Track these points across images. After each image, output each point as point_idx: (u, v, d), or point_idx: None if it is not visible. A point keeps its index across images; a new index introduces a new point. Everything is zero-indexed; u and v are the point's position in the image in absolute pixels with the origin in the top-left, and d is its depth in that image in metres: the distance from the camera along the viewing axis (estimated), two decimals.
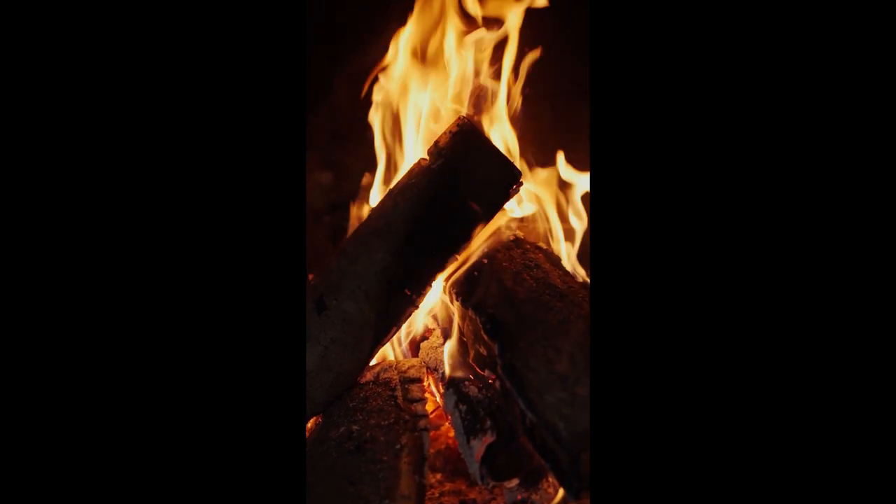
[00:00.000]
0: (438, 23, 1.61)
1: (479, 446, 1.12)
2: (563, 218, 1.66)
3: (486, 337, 1.17)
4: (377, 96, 1.67)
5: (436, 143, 1.35)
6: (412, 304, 1.33)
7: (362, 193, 1.70)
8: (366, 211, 1.66)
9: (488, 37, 1.59)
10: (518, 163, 1.60)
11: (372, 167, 1.73)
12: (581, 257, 1.65)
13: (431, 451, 1.33)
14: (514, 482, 1.15)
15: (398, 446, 1.08)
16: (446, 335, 1.40)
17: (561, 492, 1.10)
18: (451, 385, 1.26)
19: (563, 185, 1.67)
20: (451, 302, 1.40)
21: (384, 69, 1.66)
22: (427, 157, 1.35)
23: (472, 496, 1.24)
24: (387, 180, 1.69)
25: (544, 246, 1.49)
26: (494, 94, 1.63)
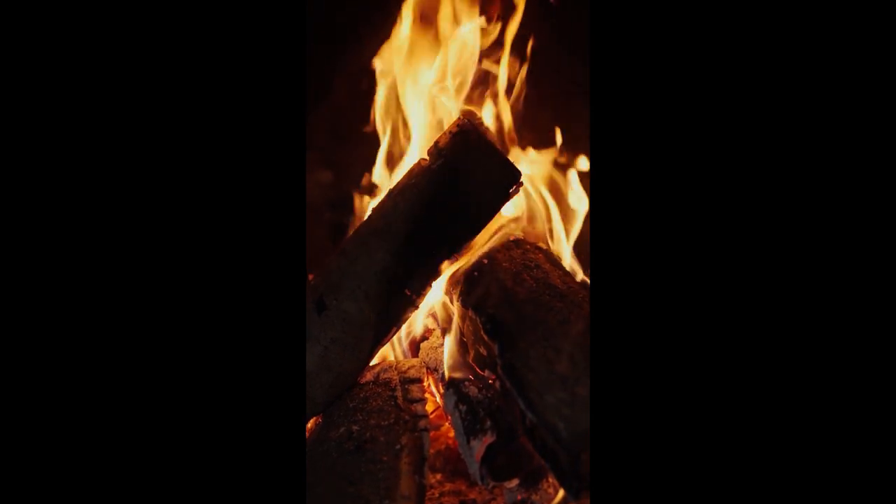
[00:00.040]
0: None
1: (479, 446, 1.12)
2: (561, 199, 1.65)
3: (486, 337, 1.17)
4: (378, 66, 1.67)
5: (436, 143, 1.35)
6: (412, 304, 1.33)
7: (364, 188, 1.71)
8: (367, 203, 1.66)
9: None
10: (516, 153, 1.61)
11: (372, 167, 1.73)
12: (581, 255, 1.64)
13: (431, 451, 1.33)
14: (514, 482, 1.15)
15: (398, 446, 1.08)
16: (446, 335, 1.40)
17: (561, 492, 1.10)
18: (451, 385, 1.26)
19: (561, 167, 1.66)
20: (451, 302, 1.40)
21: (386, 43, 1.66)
22: (427, 157, 1.35)
23: (472, 496, 1.24)
24: (388, 162, 1.69)
25: (544, 246, 1.49)
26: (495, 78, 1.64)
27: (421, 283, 1.32)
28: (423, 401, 1.25)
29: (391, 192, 1.37)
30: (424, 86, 1.62)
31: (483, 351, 1.22)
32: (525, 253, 1.39)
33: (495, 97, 1.66)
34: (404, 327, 1.49)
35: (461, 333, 1.34)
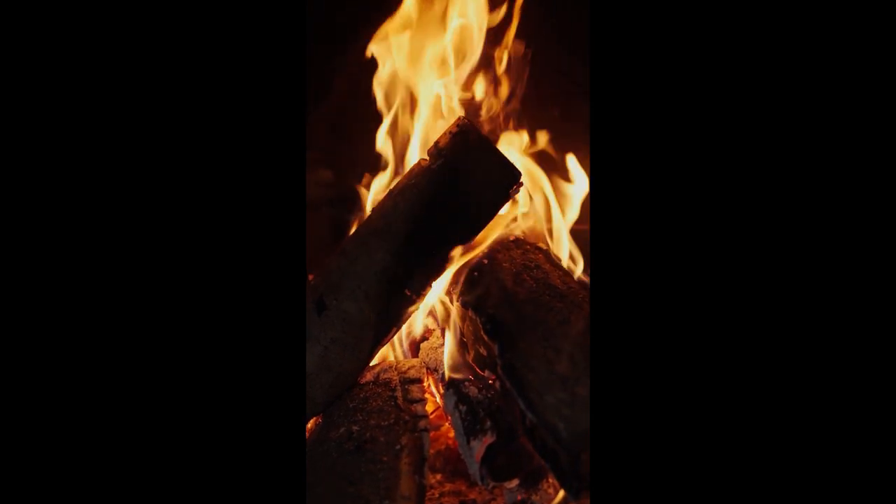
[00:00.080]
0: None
1: (479, 447, 1.12)
2: (561, 199, 1.64)
3: (486, 337, 1.17)
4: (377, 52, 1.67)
5: (436, 143, 1.35)
6: (412, 304, 1.33)
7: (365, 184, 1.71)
8: (366, 196, 1.66)
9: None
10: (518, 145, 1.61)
11: (372, 167, 1.73)
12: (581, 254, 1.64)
13: (431, 451, 1.33)
14: (514, 482, 1.15)
15: (398, 447, 1.08)
16: (446, 335, 1.40)
17: (561, 492, 1.10)
18: (451, 385, 1.26)
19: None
20: (451, 302, 1.40)
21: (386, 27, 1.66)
22: (427, 157, 1.35)
23: (472, 497, 1.24)
24: (390, 133, 1.69)
25: (544, 246, 1.49)
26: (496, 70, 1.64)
27: (421, 283, 1.32)
28: (423, 401, 1.25)
29: (391, 192, 1.37)
30: (426, 75, 1.62)
31: (483, 351, 1.22)
32: (525, 253, 1.39)
33: (495, 97, 1.66)
34: (404, 327, 1.49)
35: (461, 333, 1.34)
